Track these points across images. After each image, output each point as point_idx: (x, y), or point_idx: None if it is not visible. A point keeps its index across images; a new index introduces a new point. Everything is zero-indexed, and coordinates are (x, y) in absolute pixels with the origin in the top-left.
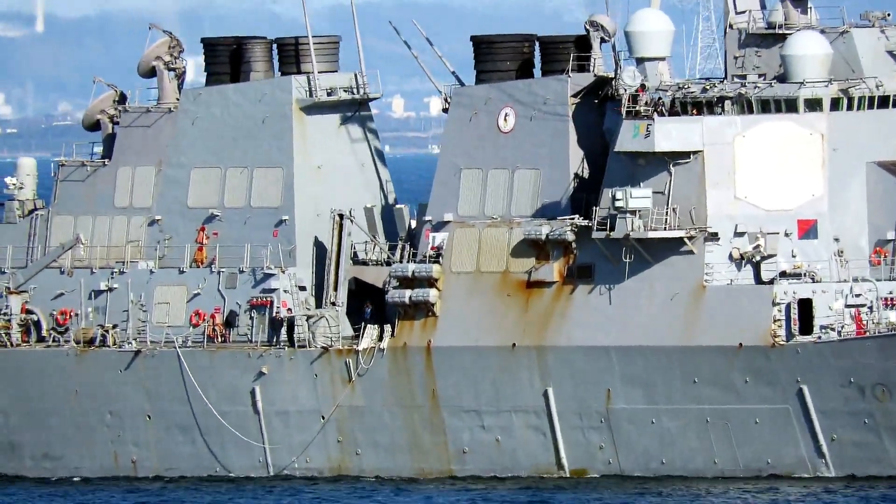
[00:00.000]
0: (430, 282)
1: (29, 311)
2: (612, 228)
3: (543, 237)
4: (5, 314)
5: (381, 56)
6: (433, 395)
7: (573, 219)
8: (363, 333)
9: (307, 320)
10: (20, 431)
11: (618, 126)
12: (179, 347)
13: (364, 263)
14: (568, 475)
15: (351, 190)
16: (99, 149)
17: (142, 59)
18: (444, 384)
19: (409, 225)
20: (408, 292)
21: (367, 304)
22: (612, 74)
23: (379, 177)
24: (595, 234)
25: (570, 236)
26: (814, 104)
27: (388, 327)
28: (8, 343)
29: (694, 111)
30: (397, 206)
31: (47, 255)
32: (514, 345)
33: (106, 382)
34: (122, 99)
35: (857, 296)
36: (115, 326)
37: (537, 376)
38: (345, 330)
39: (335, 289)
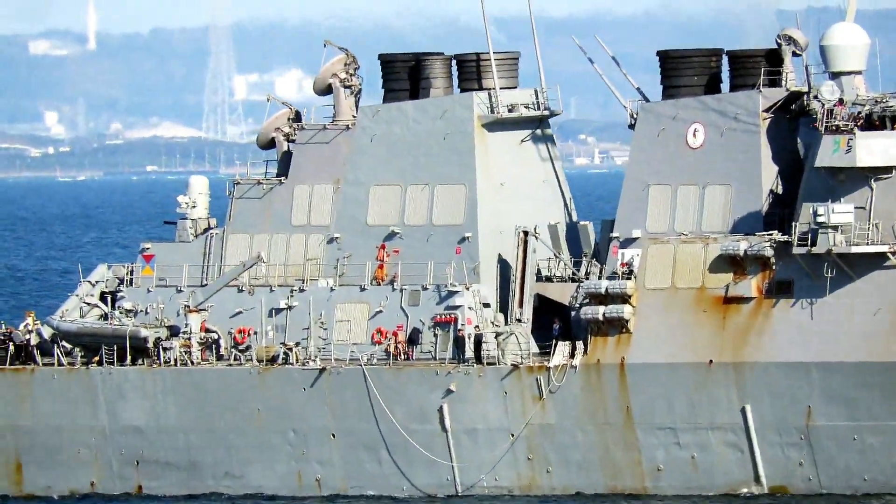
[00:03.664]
0: (624, 298)
1: (208, 330)
2: (814, 244)
3: (742, 253)
4: (185, 333)
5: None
6: (627, 412)
7: (772, 234)
8: (554, 350)
9: (496, 337)
10: (201, 450)
11: (814, 141)
12: (365, 365)
13: (548, 280)
14: (766, 492)
15: (533, 207)
16: (273, 168)
17: (318, 76)
18: (638, 401)
19: (594, 241)
20: (601, 308)
21: (555, 321)
22: (805, 89)
23: (562, 193)
24: (796, 250)
25: (769, 252)
26: None
27: (580, 344)
28: (188, 361)
29: (894, 126)
30: (581, 222)
31: (228, 273)
32: (710, 361)
33: (289, 400)
34: (297, 117)
35: None
36: (297, 344)
37: (735, 393)
38: (532, 347)
39: (520, 305)
